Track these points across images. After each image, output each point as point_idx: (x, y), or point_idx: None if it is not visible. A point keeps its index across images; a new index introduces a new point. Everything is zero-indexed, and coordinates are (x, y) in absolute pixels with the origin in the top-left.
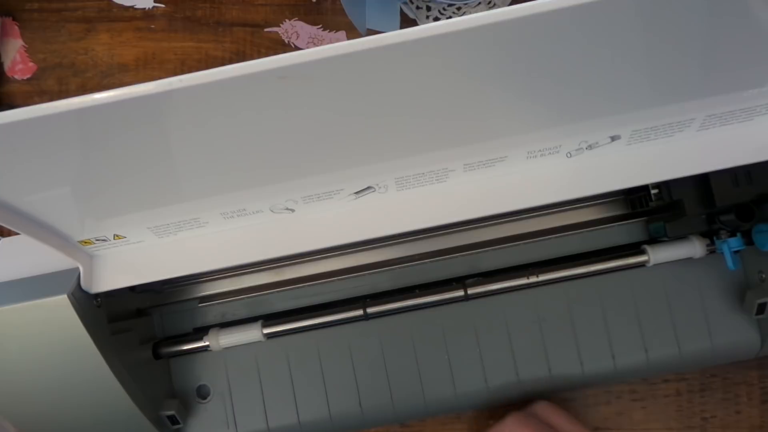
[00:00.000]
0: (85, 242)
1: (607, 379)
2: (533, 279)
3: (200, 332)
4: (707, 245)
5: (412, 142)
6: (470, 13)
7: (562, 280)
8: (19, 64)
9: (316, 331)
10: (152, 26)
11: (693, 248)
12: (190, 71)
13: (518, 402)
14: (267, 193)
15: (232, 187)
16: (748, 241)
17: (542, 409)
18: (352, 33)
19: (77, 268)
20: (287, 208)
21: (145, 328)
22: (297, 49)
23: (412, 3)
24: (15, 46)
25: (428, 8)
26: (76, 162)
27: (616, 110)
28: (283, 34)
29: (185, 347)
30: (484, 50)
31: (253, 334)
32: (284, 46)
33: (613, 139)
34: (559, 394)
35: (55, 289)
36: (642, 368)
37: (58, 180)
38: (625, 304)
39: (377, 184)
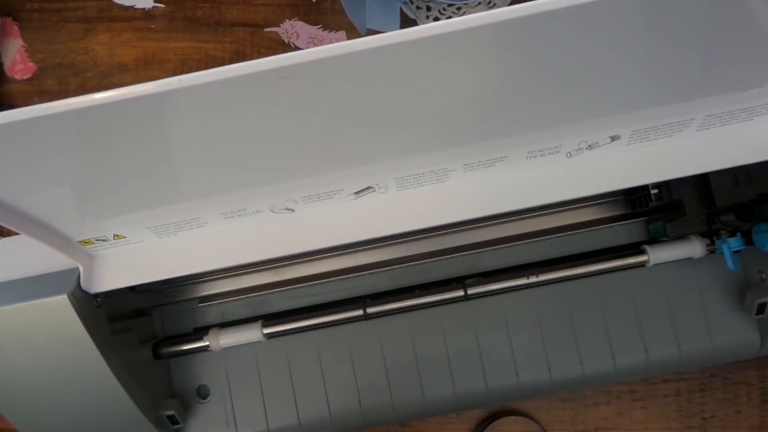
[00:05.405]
0: (85, 242)
1: (607, 379)
2: (533, 279)
3: (200, 332)
4: (707, 245)
5: (412, 142)
6: (470, 13)
7: (562, 280)
8: (19, 64)
9: (316, 331)
10: (152, 26)
11: (693, 248)
12: (190, 71)
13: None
14: (267, 193)
15: (232, 187)
16: (748, 241)
17: None
18: (352, 33)
19: (77, 268)
20: (287, 208)
21: (145, 328)
22: (297, 49)
23: (412, 3)
24: (15, 46)
25: (428, 8)
26: (76, 162)
27: (616, 110)
28: (283, 34)
29: (185, 347)
30: (483, 51)
31: (253, 334)
32: (284, 46)
33: (613, 139)
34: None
35: (55, 289)
36: (642, 368)
37: (58, 180)
38: (625, 304)
39: (377, 184)
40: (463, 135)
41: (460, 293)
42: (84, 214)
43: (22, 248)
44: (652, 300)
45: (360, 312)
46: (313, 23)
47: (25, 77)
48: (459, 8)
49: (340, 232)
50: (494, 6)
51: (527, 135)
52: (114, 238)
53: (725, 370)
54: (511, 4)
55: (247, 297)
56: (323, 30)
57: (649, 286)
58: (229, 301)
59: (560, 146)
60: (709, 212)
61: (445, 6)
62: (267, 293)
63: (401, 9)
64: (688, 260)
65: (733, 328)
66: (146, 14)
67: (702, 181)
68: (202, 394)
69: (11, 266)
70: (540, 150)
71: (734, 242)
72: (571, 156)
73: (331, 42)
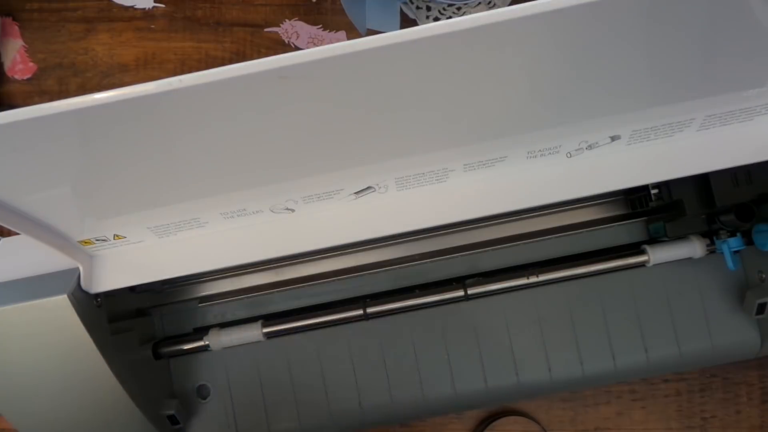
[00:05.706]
0: (85, 242)
1: (607, 379)
2: (533, 279)
3: (200, 332)
4: (707, 245)
5: (412, 142)
6: (470, 13)
7: (562, 280)
8: (19, 64)
9: (316, 331)
10: (152, 26)
11: (693, 248)
12: (190, 71)
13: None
14: (267, 193)
15: (232, 187)
16: (748, 241)
17: None
18: (352, 33)
19: (77, 268)
20: (287, 208)
21: (145, 328)
22: (297, 49)
23: (412, 3)
24: (15, 46)
25: (428, 8)
26: (76, 162)
27: (616, 110)
28: (283, 34)
29: (185, 347)
30: (482, 51)
31: (253, 334)
32: (284, 46)
33: (613, 139)
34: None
35: (55, 289)
36: (642, 368)
37: (58, 180)
38: (625, 304)
39: (377, 184)
40: (463, 135)
41: (460, 293)
42: (84, 214)
43: (22, 248)
44: (652, 300)
45: (360, 312)
46: (313, 23)
47: (25, 77)
48: (459, 8)
49: (340, 232)
50: (494, 6)
51: (527, 135)
52: (114, 238)
53: (725, 370)
54: (511, 4)
55: (247, 297)
56: (323, 30)
57: (649, 286)
58: (229, 301)
59: (560, 146)
60: (709, 212)
61: (445, 6)
62: (267, 293)
63: (401, 9)
64: (688, 260)
65: (733, 328)
66: (146, 14)
67: (702, 181)
68: (202, 394)
69: (11, 266)
70: (540, 150)
71: (734, 242)
72: (571, 156)
73: (331, 42)
